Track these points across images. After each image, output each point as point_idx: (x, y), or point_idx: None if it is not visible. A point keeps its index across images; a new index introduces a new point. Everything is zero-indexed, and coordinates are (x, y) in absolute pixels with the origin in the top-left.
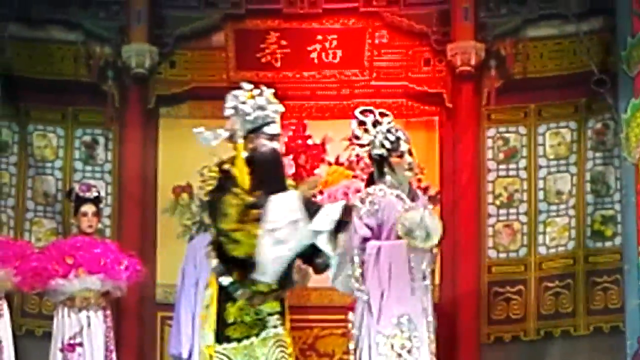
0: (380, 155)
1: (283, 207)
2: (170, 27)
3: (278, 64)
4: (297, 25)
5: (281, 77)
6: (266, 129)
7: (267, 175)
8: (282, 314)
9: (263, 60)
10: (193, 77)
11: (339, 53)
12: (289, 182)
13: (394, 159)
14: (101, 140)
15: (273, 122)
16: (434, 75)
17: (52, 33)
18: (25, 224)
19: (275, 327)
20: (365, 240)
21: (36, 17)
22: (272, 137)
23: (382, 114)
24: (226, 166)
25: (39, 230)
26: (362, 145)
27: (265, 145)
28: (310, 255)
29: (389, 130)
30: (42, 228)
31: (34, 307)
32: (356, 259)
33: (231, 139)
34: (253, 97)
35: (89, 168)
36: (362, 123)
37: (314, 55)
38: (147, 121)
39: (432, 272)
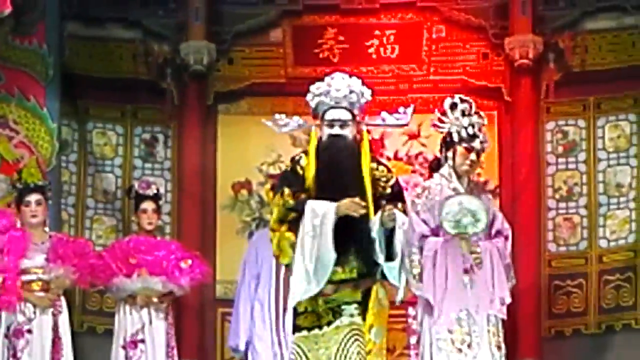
0: (452, 139)
1: (309, 215)
2: (228, 24)
3: (336, 60)
4: (355, 20)
5: None
6: (326, 115)
7: (322, 175)
8: (361, 304)
9: (321, 55)
10: (251, 74)
11: (397, 48)
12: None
13: (461, 148)
14: (160, 137)
15: (334, 107)
16: (492, 69)
17: (111, 31)
18: (85, 222)
19: (352, 316)
20: (423, 237)
21: (95, 16)
22: (331, 123)
23: (477, 113)
24: (298, 157)
25: (99, 227)
26: (442, 122)
27: (327, 135)
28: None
29: (471, 124)
30: (102, 225)
31: (95, 305)
32: (414, 257)
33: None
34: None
35: (148, 165)
36: (453, 105)
37: (371, 50)
38: (206, 118)
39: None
